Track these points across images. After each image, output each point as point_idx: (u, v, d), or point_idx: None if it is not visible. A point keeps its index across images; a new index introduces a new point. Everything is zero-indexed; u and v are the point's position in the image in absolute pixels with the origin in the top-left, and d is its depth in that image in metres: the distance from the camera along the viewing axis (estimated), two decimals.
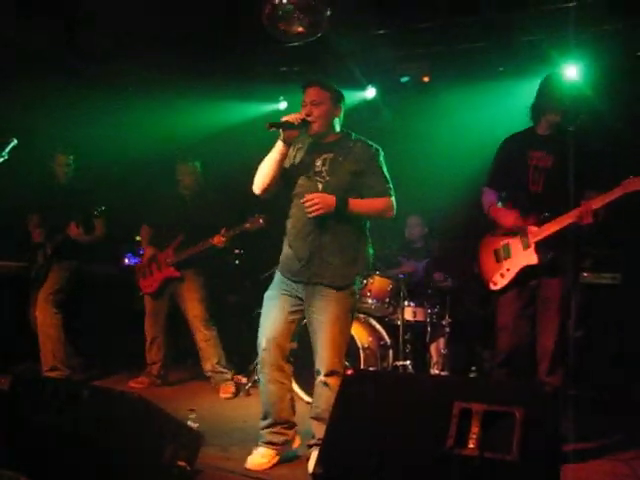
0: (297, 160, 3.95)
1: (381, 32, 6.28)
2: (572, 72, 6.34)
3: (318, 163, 3.87)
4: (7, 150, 4.48)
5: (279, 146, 3.79)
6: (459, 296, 6.03)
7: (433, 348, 5.99)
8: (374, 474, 2.60)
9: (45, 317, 5.71)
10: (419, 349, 6.02)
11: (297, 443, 4.07)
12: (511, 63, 6.48)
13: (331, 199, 3.69)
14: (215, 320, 5.90)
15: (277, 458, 3.94)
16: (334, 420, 2.87)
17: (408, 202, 6.82)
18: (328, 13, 5.28)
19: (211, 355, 5.81)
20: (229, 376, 5.82)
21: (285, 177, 3.92)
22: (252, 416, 5.02)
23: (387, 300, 5.96)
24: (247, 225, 5.51)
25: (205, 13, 5.91)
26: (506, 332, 4.13)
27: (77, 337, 6.07)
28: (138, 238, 6.64)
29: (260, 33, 5.48)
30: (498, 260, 4.19)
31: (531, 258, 3.99)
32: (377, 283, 5.98)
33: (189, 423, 3.81)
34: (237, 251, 7.42)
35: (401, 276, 5.89)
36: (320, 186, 3.80)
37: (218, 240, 5.58)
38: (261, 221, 5.47)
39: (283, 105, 7.90)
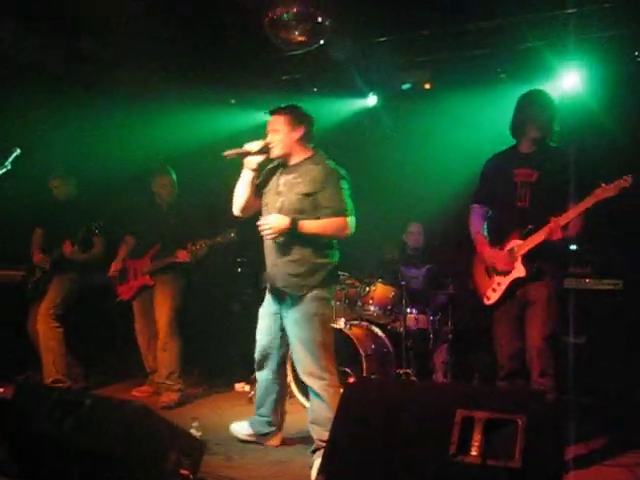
0: (269, 179, 4.23)
1: (382, 39, 6.30)
2: (573, 78, 6.39)
3: (281, 182, 4.14)
4: (10, 160, 4.49)
5: (244, 173, 4.13)
6: (460, 304, 6.01)
7: (435, 355, 5.98)
8: None
9: (46, 330, 5.70)
10: (421, 356, 6.02)
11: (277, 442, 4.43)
12: (512, 70, 6.49)
13: (284, 221, 3.93)
14: (180, 330, 5.76)
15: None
16: (336, 428, 2.87)
17: (408, 209, 6.89)
18: (329, 22, 5.32)
19: (166, 365, 5.66)
20: (176, 388, 5.64)
21: (259, 195, 4.24)
22: None
23: (389, 307, 5.96)
24: (219, 239, 5.51)
25: (206, 21, 5.94)
26: (504, 345, 4.22)
27: (78, 346, 6.07)
28: None
29: (262, 41, 5.54)
30: (489, 276, 4.29)
31: (519, 271, 4.09)
32: (379, 290, 5.98)
33: (192, 431, 3.82)
34: (239, 259, 7.44)
35: (403, 283, 5.89)
36: (278, 205, 4.07)
37: (183, 256, 5.58)
38: (232, 235, 5.47)
39: None
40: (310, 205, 4.02)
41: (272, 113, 4.15)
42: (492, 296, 4.23)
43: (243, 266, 7.51)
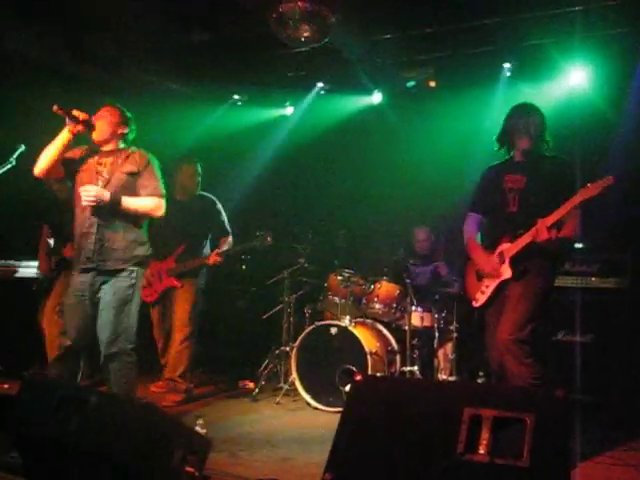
0: (84, 161, 4.40)
1: (387, 37, 6.28)
2: (579, 76, 6.39)
3: (100, 167, 4.36)
4: (15, 156, 4.51)
5: (63, 133, 4.24)
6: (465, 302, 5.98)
7: (441, 353, 5.97)
8: None
9: (53, 329, 5.67)
10: (426, 354, 6.01)
11: None
12: (518, 67, 6.49)
13: (105, 193, 4.18)
14: (196, 333, 5.82)
15: None
16: (343, 425, 2.85)
17: (414, 209, 6.88)
18: (334, 19, 5.31)
19: (178, 365, 5.70)
20: (182, 388, 5.68)
21: (68, 170, 4.37)
22: (260, 421, 5.06)
23: (394, 305, 5.95)
24: (255, 243, 5.64)
25: (212, 17, 5.93)
26: (492, 351, 4.22)
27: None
28: None
29: (268, 39, 5.53)
30: (479, 279, 4.37)
31: (506, 272, 4.16)
32: (384, 288, 5.98)
33: (197, 429, 3.81)
34: (243, 256, 7.44)
35: (408, 281, 5.88)
36: (100, 184, 4.28)
37: (214, 260, 5.66)
38: (269, 239, 5.60)
39: (290, 110, 7.93)
40: (132, 184, 4.35)
41: (105, 105, 4.45)
42: (480, 298, 4.32)
43: (248, 263, 7.51)
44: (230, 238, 5.89)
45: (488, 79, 6.64)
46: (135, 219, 4.37)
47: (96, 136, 4.35)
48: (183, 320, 5.73)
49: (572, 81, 6.45)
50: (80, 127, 4.24)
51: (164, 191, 4.44)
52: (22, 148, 4.56)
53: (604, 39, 5.92)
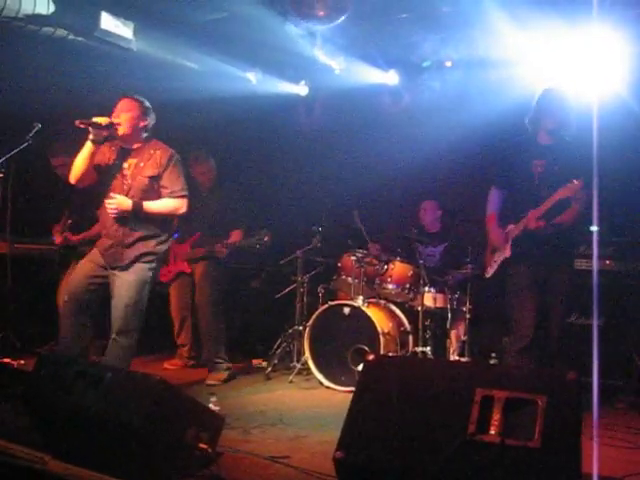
0: (111, 161, 4.58)
1: (403, 16, 6.23)
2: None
3: (125, 166, 4.55)
4: (31, 135, 4.53)
5: (88, 144, 4.41)
6: (480, 282, 5.97)
7: (453, 334, 5.98)
8: (395, 459, 2.61)
9: None
10: (439, 335, 6.02)
11: None
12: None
13: (128, 204, 4.40)
14: (223, 312, 5.88)
15: None
16: (355, 404, 2.87)
17: (426, 186, 6.86)
18: None
19: (211, 344, 5.74)
20: (224, 367, 5.69)
21: (100, 173, 4.56)
22: (272, 399, 5.09)
23: (407, 286, 5.95)
24: (255, 241, 5.78)
25: None
26: (528, 315, 4.54)
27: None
28: None
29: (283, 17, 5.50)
30: (493, 252, 4.82)
31: (506, 251, 4.66)
32: (397, 269, 5.98)
33: (210, 406, 3.85)
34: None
35: (421, 262, 5.89)
36: (125, 187, 4.50)
37: (219, 250, 5.75)
38: (266, 239, 5.72)
39: (304, 89, 7.91)
40: (155, 186, 4.53)
41: (125, 97, 4.56)
42: (489, 271, 4.81)
43: (262, 243, 7.52)
44: (239, 232, 5.91)
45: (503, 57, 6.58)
46: (158, 217, 4.55)
47: (120, 133, 4.49)
48: (205, 305, 5.78)
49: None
50: (105, 133, 4.41)
51: (185, 192, 4.60)
52: (38, 126, 4.57)
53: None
